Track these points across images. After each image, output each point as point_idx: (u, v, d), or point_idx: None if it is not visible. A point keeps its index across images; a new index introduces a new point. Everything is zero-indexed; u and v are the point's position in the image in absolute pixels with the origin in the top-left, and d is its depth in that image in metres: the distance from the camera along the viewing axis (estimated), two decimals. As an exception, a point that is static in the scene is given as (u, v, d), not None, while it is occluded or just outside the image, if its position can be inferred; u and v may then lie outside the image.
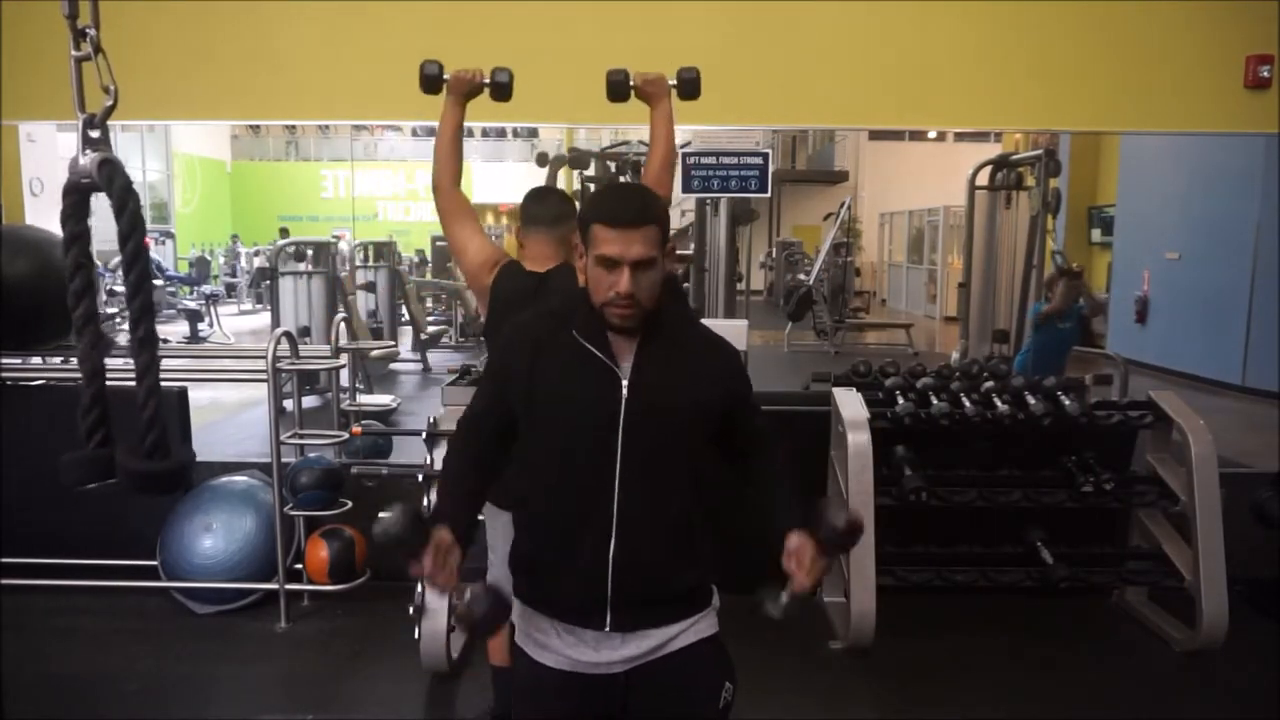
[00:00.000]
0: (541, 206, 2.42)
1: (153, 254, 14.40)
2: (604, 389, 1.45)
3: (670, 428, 1.47)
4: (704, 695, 1.54)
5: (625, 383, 1.45)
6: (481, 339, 2.45)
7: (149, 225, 18.40)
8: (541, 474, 1.51)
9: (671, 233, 1.56)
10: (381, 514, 1.34)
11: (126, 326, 1.43)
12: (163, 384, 4.16)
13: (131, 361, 1.38)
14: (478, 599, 1.39)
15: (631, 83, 2.40)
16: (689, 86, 2.42)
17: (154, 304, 1.40)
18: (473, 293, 2.46)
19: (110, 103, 1.33)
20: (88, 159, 1.31)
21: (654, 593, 1.49)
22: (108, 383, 1.39)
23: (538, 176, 8.59)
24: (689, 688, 1.53)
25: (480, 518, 1.67)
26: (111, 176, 1.30)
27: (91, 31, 1.32)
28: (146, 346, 1.36)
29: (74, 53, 1.33)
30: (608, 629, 1.47)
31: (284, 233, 13.94)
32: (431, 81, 2.44)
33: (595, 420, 1.45)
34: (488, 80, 2.43)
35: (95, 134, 1.33)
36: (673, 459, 1.49)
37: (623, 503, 1.45)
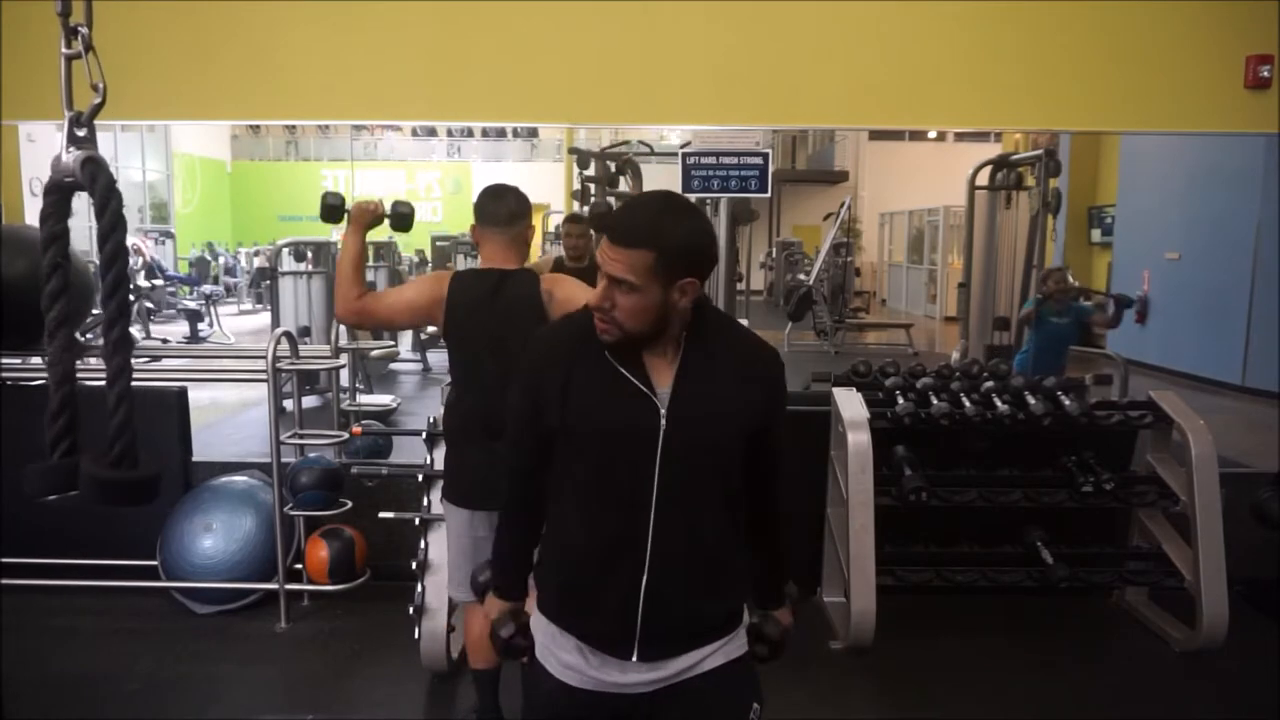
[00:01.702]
0: (498, 205, 2.43)
1: (153, 254, 14.40)
2: (642, 418, 1.38)
3: (709, 456, 1.42)
4: (731, 716, 1.50)
5: (664, 412, 1.38)
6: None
7: (149, 225, 18.46)
8: (574, 500, 1.46)
9: None
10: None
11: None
12: (163, 384, 4.13)
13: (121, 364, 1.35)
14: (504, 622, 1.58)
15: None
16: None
17: (130, 305, 1.38)
18: (436, 322, 2.44)
19: (98, 100, 1.32)
20: (70, 156, 1.29)
21: (685, 627, 1.45)
22: (97, 385, 1.36)
23: (537, 176, 8.57)
24: (716, 709, 1.49)
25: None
26: (94, 175, 1.28)
27: (83, 29, 1.31)
28: (121, 349, 1.32)
29: (65, 50, 1.32)
30: (635, 659, 1.43)
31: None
32: (333, 212, 2.59)
33: (632, 451, 1.39)
34: (388, 212, 2.56)
35: (81, 132, 1.31)
36: (711, 486, 1.44)
37: (657, 535, 1.39)
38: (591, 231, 4.74)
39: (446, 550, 2.58)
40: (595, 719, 1.49)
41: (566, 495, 1.48)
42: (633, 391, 1.39)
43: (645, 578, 1.40)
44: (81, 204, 1.47)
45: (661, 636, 1.43)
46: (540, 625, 1.53)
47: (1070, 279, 5.93)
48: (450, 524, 2.50)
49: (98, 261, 1.28)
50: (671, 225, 1.36)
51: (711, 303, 1.54)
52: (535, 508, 1.56)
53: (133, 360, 1.36)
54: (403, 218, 2.61)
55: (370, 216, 2.52)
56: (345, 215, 2.55)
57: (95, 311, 4.74)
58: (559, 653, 1.49)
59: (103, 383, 1.33)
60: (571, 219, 4.96)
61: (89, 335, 4.23)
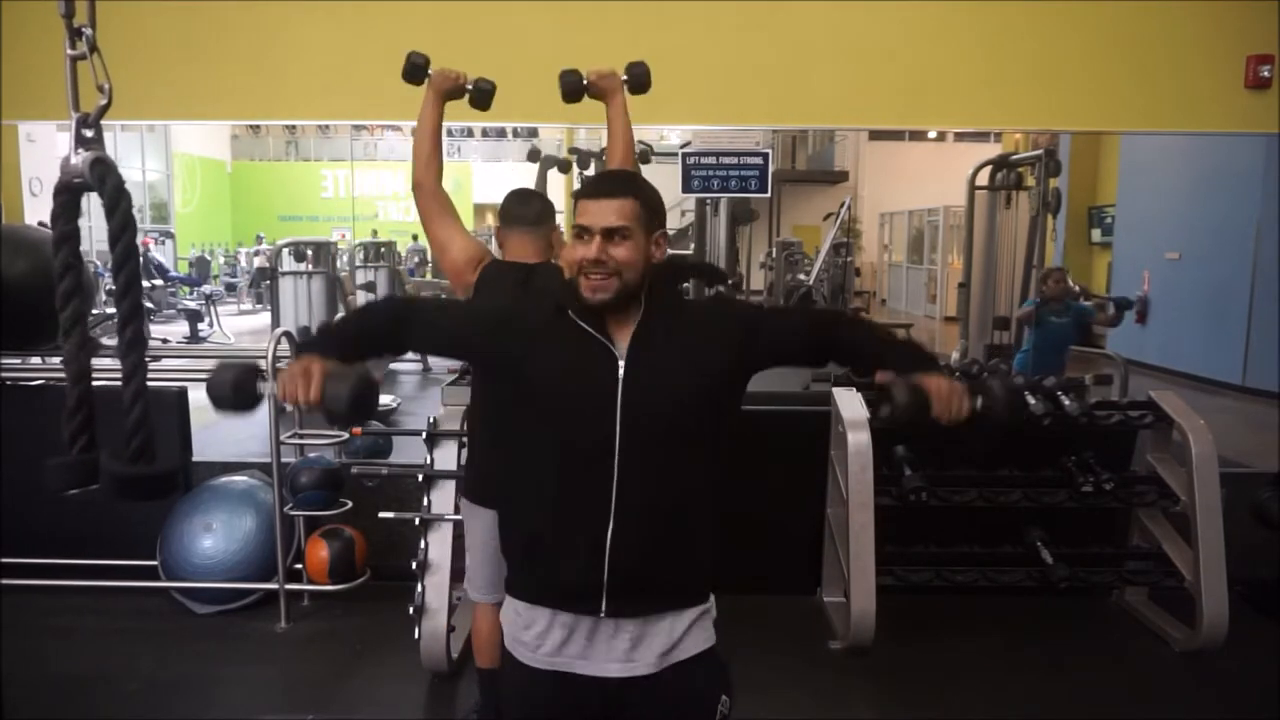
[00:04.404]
0: (524, 206, 2.43)
1: (154, 254, 14.40)
2: (601, 370, 1.43)
3: (671, 408, 1.44)
4: (700, 710, 1.51)
5: (622, 363, 1.43)
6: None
7: (149, 225, 18.47)
8: (537, 457, 1.48)
9: (670, 232, 1.57)
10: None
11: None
12: (163, 384, 4.12)
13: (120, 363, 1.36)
14: (337, 377, 1.29)
15: (585, 81, 2.43)
16: (638, 80, 2.46)
17: (143, 304, 1.39)
18: (455, 291, 2.47)
19: (104, 102, 1.32)
20: (80, 158, 1.30)
21: (650, 576, 1.46)
22: (105, 384, 1.37)
23: (536, 176, 8.58)
24: (685, 703, 1.51)
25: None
26: (104, 176, 1.28)
27: (87, 30, 1.32)
28: (135, 348, 1.34)
29: (69, 52, 1.32)
30: (603, 614, 1.44)
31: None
32: (416, 71, 2.44)
33: (592, 402, 1.43)
34: (470, 85, 2.45)
35: (89, 133, 1.32)
36: (674, 440, 1.45)
37: (621, 485, 1.42)
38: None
39: (466, 551, 2.55)
40: (565, 706, 1.49)
41: (531, 452, 1.49)
42: (594, 345, 1.44)
43: (610, 528, 1.42)
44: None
45: (628, 589, 1.44)
46: (509, 615, 1.54)
47: (1069, 281, 5.94)
48: (471, 525, 2.48)
49: (99, 263, 1.29)
50: (641, 181, 1.51)
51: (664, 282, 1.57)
52: (390, 332, 1.54)
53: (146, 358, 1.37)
54: (484, 94, 2.48)
55: (452, 84, 2.41)
56: (427, 79, 2.43)
57: (95, 311, 4.74)
58: (527, 639, 1.50)
59: (109, 382, 1.33)
60: None
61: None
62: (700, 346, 1.48)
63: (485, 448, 2.44)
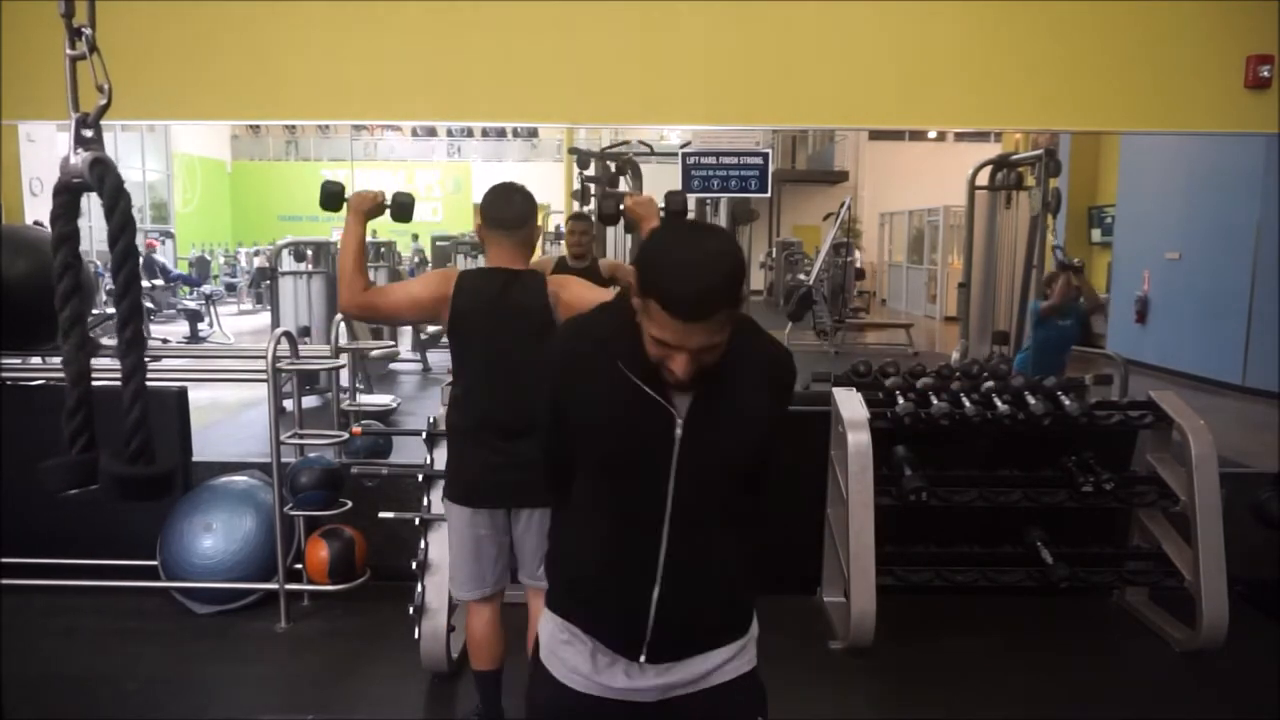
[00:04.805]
0: (506, 208, 2.42)
1: (156, 255, 14.41)
2: (658, 431, 1.36)
3: (725, 470, 1.41)
4: None
5: (680, 423, 1.36)
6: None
7: (149, 225, 18.48)
8: (589, 507, 1.46)
9: None
10: None
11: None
12: (163, 384, 4.12)
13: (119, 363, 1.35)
14: None
15: (622, 205, 2.52)
16: (675, 208, 2.60)
17: (142, 304, 1.39)
18: (440, 314, 2.41)
19: (104, 102, 1.32)
20: (79, 158, 1.30)
21: (694, 634, 1.45)
22: (105, 384, 1.37)
23: (537, 177, 8.58)
24: None
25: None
26: (103, 176, 1.28)
27: (87, 30, 1.32)
28: (134, 348, 1.33)
29: (69, 52, 1.32)
30: (643, 661, 1.43)
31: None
32: (332, 199, 2.55)
33: (647, 463, 1.38)
34: (388, 202, 2.55)
35: (88, 133, 1.32)
36: (725, 497, 1.43)
37: (671, 547, 1.39)
38: (594, 230, 4.74)
39: (448, 550, 2.57)
40: None
41: (582, 501, 1.48)
42: (651, 404, 1.36)
43: (657, 589, 1.39)
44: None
45: (670, 642, 1.43)
46: (548, 626, 1.52)
47: (1060, 257, 5.92)
48: (451, 523, 2.50)
49: (99, 263, 1.29)
50: (727, 270, 1.26)
51: None
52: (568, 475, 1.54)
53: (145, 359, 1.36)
54: (403, 208, 2.58)
55: (370, 204, 2.49)
56: (345, 204, 2.52)
57: (95, 312, 4.75)
58: (565, 655, 1.48)
59: (109, 382, 1.33)
60: (575, 217, 4.95)
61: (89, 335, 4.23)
62: (754, 399, 1.41)
63: (461, 446, 2.44)
